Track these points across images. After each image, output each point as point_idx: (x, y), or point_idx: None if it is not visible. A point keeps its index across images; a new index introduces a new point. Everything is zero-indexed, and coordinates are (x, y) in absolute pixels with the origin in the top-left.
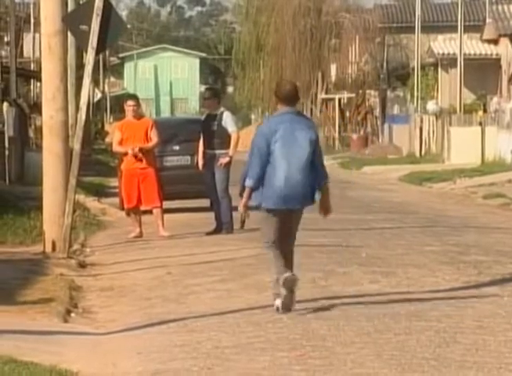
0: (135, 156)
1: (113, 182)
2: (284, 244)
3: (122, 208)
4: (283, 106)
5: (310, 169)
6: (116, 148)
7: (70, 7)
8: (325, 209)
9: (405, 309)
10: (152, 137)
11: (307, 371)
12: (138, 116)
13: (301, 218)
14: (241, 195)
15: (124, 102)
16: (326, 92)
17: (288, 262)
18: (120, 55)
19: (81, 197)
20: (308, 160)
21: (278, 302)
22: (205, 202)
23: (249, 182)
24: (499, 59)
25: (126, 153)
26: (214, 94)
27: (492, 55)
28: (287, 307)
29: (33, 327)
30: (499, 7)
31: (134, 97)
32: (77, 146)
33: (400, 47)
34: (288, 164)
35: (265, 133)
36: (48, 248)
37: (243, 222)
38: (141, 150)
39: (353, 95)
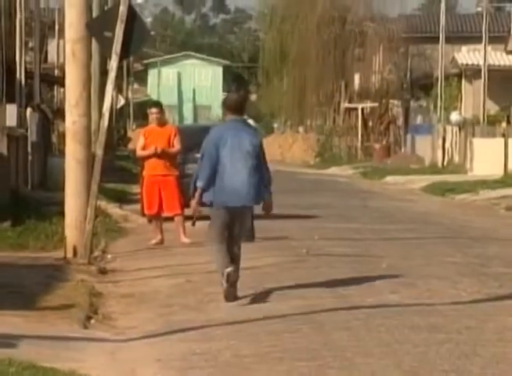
0: (157, 154)
1: (136, 188)
2: (233, 241)
3: (144, 215)
4: (230, 115)
5: (255, 171)
6: (139, 152)
7: (95, 13)
8: (266, 209)
9: (425, 321)
10: (175, 144)
11: None
12: (162, 123)
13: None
14: (193, 195)
15: (149, 109)
16: (350, 101)
17: (236, 258)
18: (144, 61)
19: (103, 203)
20: (252, 163)
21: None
22: None
23: (200, 184)
24: None
25: (149, 158)
26: None
27: None
28: (229, 299)
29: (53, 332)
30: None
31: (158, 104)
32: (99, 152)
33: (424, 57)
34: (234, 167)
35: (214, 139)
36: (70, 254)
37: (194, 220)
38: (163, 152)
39: (376, 104)
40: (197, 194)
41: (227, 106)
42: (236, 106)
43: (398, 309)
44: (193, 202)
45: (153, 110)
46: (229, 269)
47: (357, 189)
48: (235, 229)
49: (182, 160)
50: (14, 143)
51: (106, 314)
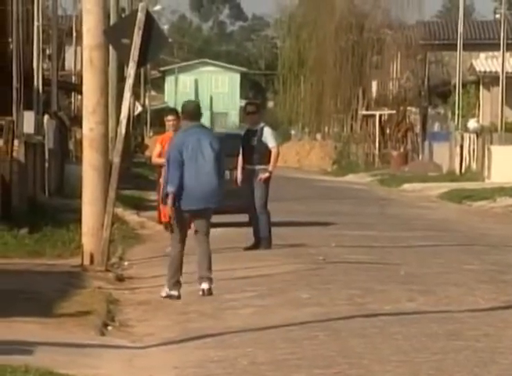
0: None
1: (152, 195)
2: (197, 241)
3: (160, 222)
4: (189, 121)
5: (217, 174)
6: (154, 160)
7: (113, 20)
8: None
9: (442, 328)
10: None
11: None
12: (179, 130)
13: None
14: (164, 202)
15: (165, 116)
16: (367, 109)
17: (206, 263)
18: (161, 69)
19: (120, 210)
20: (213, 166)
21: (174, 292)
22: (243, 217)
23: (171, 189)
24: None
25: (164, 165)
26: (257, 109)
27: None
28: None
29: (70, 339)
30: None
31: (174, 111)
32: (116, 159)
33: (441, 64)
34: (197, 171)
35: (178, 145)
36: (87, 261)
37: (171, 226)
38: None
39: (394, 111)
40: (170, 199)
41: (185, 113)
42: (193, 113)
43: (416, 316)
44: (168, 208)
45: (169, 117)
46: (175, 293)
47: (374, 197)
48: (198, 229)
49: None
50: (31, 150)
51: (123, 321)
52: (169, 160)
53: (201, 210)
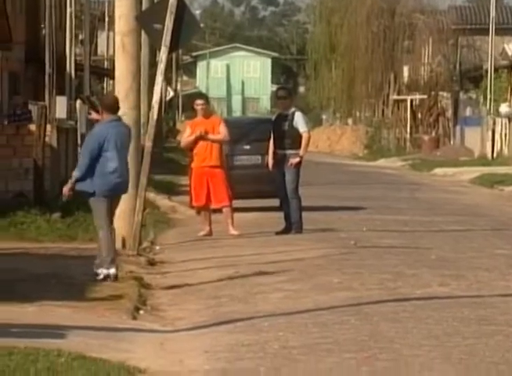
0: (205, 146)
1: (184, 180)
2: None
3: (192, 206)
4: (108, 114)
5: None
6: (183, 140)
7: (145, 6)
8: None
9: (474, 313)
10: (220, 131)
11: (374, 373)
12: (208, 114)
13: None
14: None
15: (194, 101)
16: (398, 94)
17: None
18: (193, 54)
19: (152, 195)
20: (127, 155)
21: (107, 271)
22: (275, 201)
23: (76, 174)
24: None
25: (195, 147)
26: (288, 94)
27: None
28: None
29: (102, 323)
30: None
31: (202, 96)
32: (148, 144)
33: (473, 49)
34: (120, 159)
35: (99, 137)
36: (118, 245)
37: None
38: (207, 137)
39: (425, 96)
40: (71, 182)
41: (104, 107)
42: (112, 107)
43: (447, 301)
44: (66, 188)
45: (198, 101)
46: (114, 271)
47: (406, 181)
48: (113, 214)
49: (230, 151)
50: (64, 135)
51: (155, 305)
52: (86, 148)
53: (121, 194)
